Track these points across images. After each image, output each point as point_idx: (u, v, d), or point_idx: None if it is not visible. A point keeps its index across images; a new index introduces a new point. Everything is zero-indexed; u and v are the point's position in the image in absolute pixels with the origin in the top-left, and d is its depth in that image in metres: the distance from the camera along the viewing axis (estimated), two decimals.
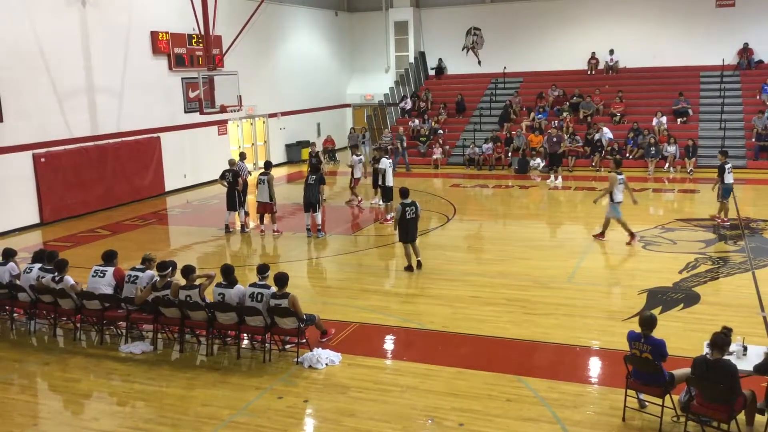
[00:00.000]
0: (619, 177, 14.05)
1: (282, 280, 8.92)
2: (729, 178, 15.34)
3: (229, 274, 9.19)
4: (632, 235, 14.11)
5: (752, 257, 12.90)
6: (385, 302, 11.20)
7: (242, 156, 17.72)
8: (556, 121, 25.74)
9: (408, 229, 12.41)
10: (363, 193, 19.59)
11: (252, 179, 17.91)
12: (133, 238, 16.22)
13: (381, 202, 17.83)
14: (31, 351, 9.70)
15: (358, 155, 19.31)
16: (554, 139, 22.36)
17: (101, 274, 9.80)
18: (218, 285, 9.15)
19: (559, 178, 21.84)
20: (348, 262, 13.84)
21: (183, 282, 9.34)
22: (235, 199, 16.08)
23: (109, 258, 10.04)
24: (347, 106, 33.42)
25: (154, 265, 9.80)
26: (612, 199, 14.04)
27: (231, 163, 16.69)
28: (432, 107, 29.09)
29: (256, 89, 24.79)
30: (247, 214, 16.75)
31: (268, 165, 16.40)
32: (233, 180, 16.02)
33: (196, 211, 19.57)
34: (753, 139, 23.36)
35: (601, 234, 14.45)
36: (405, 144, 25.63)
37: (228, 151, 24.90)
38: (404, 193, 12.64)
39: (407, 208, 12.33)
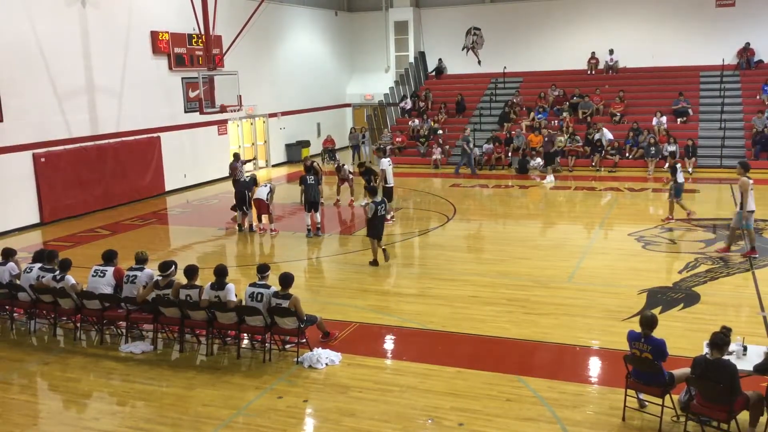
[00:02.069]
0: (751, 182, 12.90)
1: (286, 280, 8.92)
2: (680, 178, 15.73)
3: (222, 276, 9.16)
4: (753, 249, 13.03)
5: (752, 257, 12.89)
6: (385, 302, 11.20)
7: (236, 157, 17.78)
8: (552, 121, 25.78)
9: (378, 225, 12.96)
10: (356, 193, 19.57)
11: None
12: (133, 238, 16.22)
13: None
14: (31, 351, 9.70)
15: (344, 165, 19.20)
16: (546, 139, 22.47)
17: (101, 274, 9.81)
18: (211, 287, 9.12)
19: (552, 176, 21.93)
20: (348, 262, 13.84)
21: (184, 281, 9.34)
22: (245, 200, 16.17)
23: (110, 258, 10.05)
24: (347, 106, 33.43)
25: (149, 262, 9.84)
26: (742, 207, 12.72)
27: (237, 156, 17.71)
28: (432, 107, 29.10)
29: (256, 89, 24.81)
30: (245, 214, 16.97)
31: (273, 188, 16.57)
32: (250, 183, 16.21)
33: (196, 210, 19.57)
34: (752, 140, 23.36)
35: (753, 249, 13.03)
36: (473, 146, 24.46)
37: (228, 151, 24.90)
38: (374, 191, 13.38)
39: (378, 206, 12.86)
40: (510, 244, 14.70)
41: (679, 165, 16.13)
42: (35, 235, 16.67)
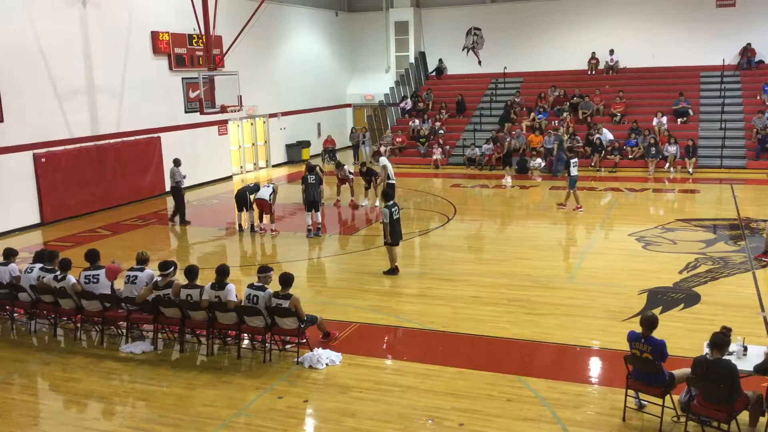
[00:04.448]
0: None
1: (286, 280, 8.91)
2: (573, 171, 17.20)
3: (223, 275, 9.14)
4: (766, 254, 12.72)
5: (752, 257, 12.89)
6: (385, 302, 11.20)
7: (177, 162, 17.39)
8: (552, 121, 25.79)
9: (398, 230, 12.39)
10: (357, 193, 19.56)
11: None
12: (134, 238, 16.23)
13: (377, 203, 17.98)
14: (32, 351, 9.70)
15: (344, 165, 19.04)
16: (505, 140, 23.75)
17: (94, 280, 9.69)
18: (212, 287, 9.11)
19: (509, 177, 22.42)
20: (348, 262, 13.84)
21: (184, 282, 9.33)
22: (246, 202, 16.20)
23: (94, 258, 9.93)
24: (348, 106, 33.44)
25: (150, 262, 9.82)
26: None
27: (177, 161, 17.55)
28: (432, 107, 29.10)
29: (256, 89, 24.81)
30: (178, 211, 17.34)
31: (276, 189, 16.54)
32: (253, 188, 16.27)
33: (197, 211, 19.55)
34: (754, 139, 23.35)
35: (765, 253, 12.80)
36: (563, 145, 22.99)
37: (228, 151, 24.95)
38: (387, 195, 12.66)
39: (393, 209, 12.27)
40: (510, 244, 14.70)
41: (575, 160, 17.75)
42: (36, 236, 16.67)
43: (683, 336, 9.06)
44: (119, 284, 10.09)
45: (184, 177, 17.48)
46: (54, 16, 17.65)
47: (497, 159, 24.83)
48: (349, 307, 10.91)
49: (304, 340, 9.06)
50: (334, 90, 32.17)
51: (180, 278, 9.57)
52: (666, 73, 27.62)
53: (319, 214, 15.53)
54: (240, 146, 26.16)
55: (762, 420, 6.66)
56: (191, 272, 9.27)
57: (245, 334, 9.31)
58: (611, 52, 28.44)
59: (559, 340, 9.30)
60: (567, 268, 12.63)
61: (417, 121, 28.04)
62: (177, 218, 17.52)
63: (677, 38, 27.63)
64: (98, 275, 9.75)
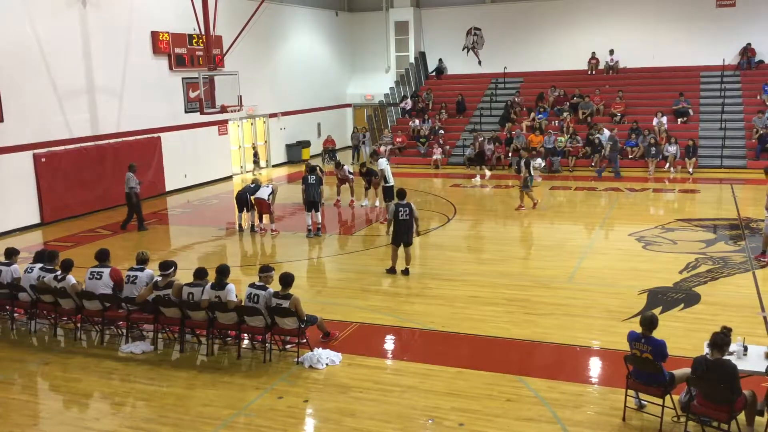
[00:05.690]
0: None
1: (286, 280, 8.91)
2: (532, 171, 18.12)
3: (224, 275, 9.14)
4: (765, 254, 12.71)
5: (752, 257, 12.89)
6: (385, 302, 11.20)
7: (132, 168, 16.83)
8: (552, 121, 25.77)
9: (399, 231, 12.26)
10: (356, 193, 19.56)
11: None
12: (134, 238, 16.23)
13: (378, 203, 17.97)
14: (32, 351, 9.70)
15: (343, 165, 19.02)
16: (480, 140, 24.68)
17: (98, 276, 9.73)
18: (212, 287, 9.09)
19: (477, 177, 23.08)
20: (348, 262, 13.84)
21: (185, 282, 9.31)
22: (246, 202, 16.15)
23: (103, 257, 9.97)
24: (348, 106, 33.44)
25: (150, 262, 9.82)
26: None
27: (132, 167, 16.91)
28: (432, 107, 29.10)
29: (256, 89, 24.79)
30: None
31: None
32: (254, 189, 16.11)
33: (197, 210, 19.57)
34: (754, 139, 23.35)
35: (764, 254, 12.73)
36: (619, 146, 23.06)
37: (228, 151, 24.95)
38: (400, 194, 12.62)
39: (400, 209, 12.23)
40: (510, 244, 14.70)
41: (532, 160, 18.50)
42: (36, 236, 16.67)
43: (683, 336, 9.07)
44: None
45: (139, 184, 16.78)
46: (54, 16, 17.65)
47: (497, 159, 24.84)
48: (349, 307, 10.91)
49: (304, 340, 9.06)
50: (334, 90, 32.17)
51: (181, 278, 9.56)
52: (666, 73, 27.62)
53: (319, 214, 15.54)
54: (240, 146, 26.16)
55: (761, 420, 6.66)
56: (200, 274, 9.23)
57: (245, 334, 9.32)
58: (611, 52, 28.44)
59: (558, 340, 9.30)
60: (567, 268, 12.62)
61: (417, 121, 28.04)
62: (137, 224, 16.89)
63: (677, 38, 27.62)
64: (102, 272, 9.77)
